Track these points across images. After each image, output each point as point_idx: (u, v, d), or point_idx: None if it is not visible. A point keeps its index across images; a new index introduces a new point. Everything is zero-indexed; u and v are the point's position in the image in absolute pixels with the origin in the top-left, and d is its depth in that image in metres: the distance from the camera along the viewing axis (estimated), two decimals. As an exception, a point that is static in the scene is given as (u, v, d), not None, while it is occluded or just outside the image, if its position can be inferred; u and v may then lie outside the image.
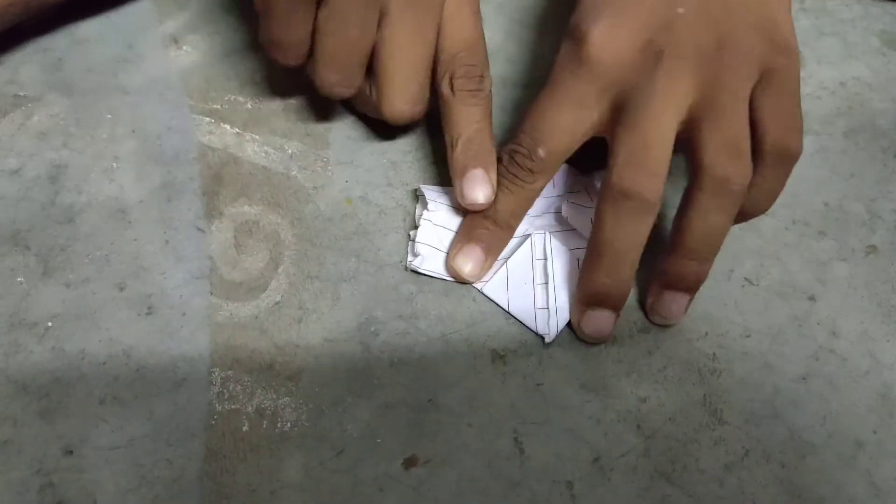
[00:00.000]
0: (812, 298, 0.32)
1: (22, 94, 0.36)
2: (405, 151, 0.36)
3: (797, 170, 0.36)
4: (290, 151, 0.35)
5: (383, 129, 0.35)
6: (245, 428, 0.28)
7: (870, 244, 0.34)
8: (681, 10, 0.29)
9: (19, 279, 0.31)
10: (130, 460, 0.27)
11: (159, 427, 0.28)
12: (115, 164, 0.34)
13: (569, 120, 0.30)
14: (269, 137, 0.35)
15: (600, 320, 0.30)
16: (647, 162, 0.28)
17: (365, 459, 0.28)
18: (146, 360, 0.29)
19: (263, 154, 0.35)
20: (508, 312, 0.31)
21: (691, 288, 0.30)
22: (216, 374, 0.29)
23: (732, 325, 0.31)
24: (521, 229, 0.32)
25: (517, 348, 0.30)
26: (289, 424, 0.28)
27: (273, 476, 0.27)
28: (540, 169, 0.30)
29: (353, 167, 0.35)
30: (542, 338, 0.30)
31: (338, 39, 0.30)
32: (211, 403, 0.28)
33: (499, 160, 0.31)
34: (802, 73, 0.39)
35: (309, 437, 0.28)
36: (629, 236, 0.29)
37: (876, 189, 0.36)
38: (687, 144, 0.29)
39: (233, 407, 0.28)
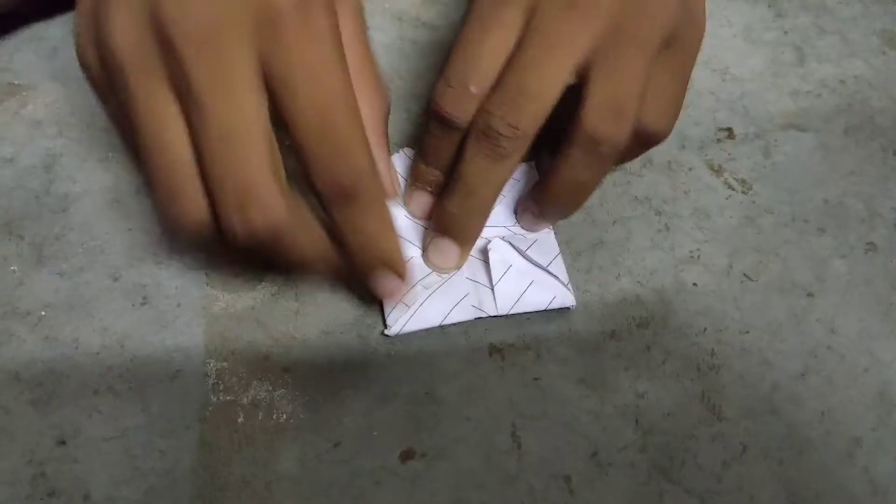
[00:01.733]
0: (811, 295, 0.32)
1: (17, 82, 0.36)
2: (402, 146, 0.35)
3: (797, 166, 0.36)
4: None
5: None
6: (240, 419, 0.28)
7: (869, 241, 0.34)
8: None
9: (12, 268, 0.30)
10: (124, 451, 0.27)
11: (153, 418, 0.28)
12: (110, 154, 0.34)
13: (498, 46, 0.27)
14: (266, 128, 0.35)
15: (444, 251, 0.30)
16: (517, 110, 0.26)
17: (361, 452, 0.28)
18: (140, 351, 0.29)
19: (261, 145, 0.35)
20: None
21: (553, 219, 0.32)
22: (211, 365, 0.29)
23: (731, 321, 0.31)
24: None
25: (515, 342, 0.30)
26: (284, 416, 0.28)
27: (268, 468, 0.27)
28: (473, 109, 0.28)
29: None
30: (385, 326, 0.30)
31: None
32: (206, 395, 0.28)
33: (430, 106, 0.29)
34: (802, 71, 0.40)
35: (305, 429, 0.28)
36: (483, 176, 0.28)
37: (875, 187, 0.36)
38: (578, 90, 0.27)
39: (228, 398, 0.28)
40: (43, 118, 0.34)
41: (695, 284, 0.32)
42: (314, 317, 0.30)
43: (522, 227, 0.32)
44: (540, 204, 0.31)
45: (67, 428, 0.27)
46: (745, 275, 0.33)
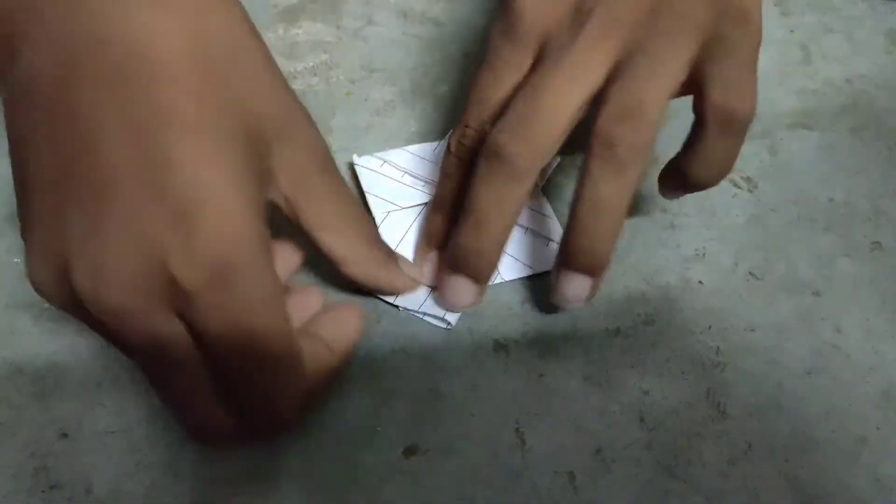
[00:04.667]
0: (817, 294, 0.32)
1: (21, 74, 0.35)
2: (408, 140, 0.35)
3: (803, 165, 0.36)
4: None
5: (387, 119, 0.35)
6: (244, 414, 0.28)
7: (875, 240, 0.34)
8: None
9: (16, 260, 0.30)
10: (127, 444, 0.27)
11: (157, 411, 0.27)
12: (115, 147, 0.34)
13: (509, 86, 0.27)
14: (271, 123, 0.35)
15: (458, 288, 0.29)
16: (530, 129, 0.26)
17: (365, 448, 0.27)
18: (144, 344, 0.29)
19: (266, 139, 0.34)
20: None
21: (588, 270, 0.27)
22: (215, 359, 0.29)
23: (737, 319, 0.31)
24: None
25: (519, 339, 0.30)
26: (288, 411, 0.28)
27: (271, 462, 0.27)
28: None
29: (356, 155, 0.34)
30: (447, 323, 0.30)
31: None
32: (209, 389, 0.28)
33: (449, 149, 0.29)
34: (808, 70, 0.39)
35: (308, 423, 0.28)
36: (495, 201, 0.27)
37: (881, 186, 0.35)
38: None
39: (231, 392, 0.28)
40: (47, 111, 0.34)
41: (700, 282, 0.32)
42: (318, 311, 0.30)
43: (557, 299, 0.29)
44: (568, 245, 0.27)
45: (70, 421, 0.27)
46: (750, 273, 0.33)
